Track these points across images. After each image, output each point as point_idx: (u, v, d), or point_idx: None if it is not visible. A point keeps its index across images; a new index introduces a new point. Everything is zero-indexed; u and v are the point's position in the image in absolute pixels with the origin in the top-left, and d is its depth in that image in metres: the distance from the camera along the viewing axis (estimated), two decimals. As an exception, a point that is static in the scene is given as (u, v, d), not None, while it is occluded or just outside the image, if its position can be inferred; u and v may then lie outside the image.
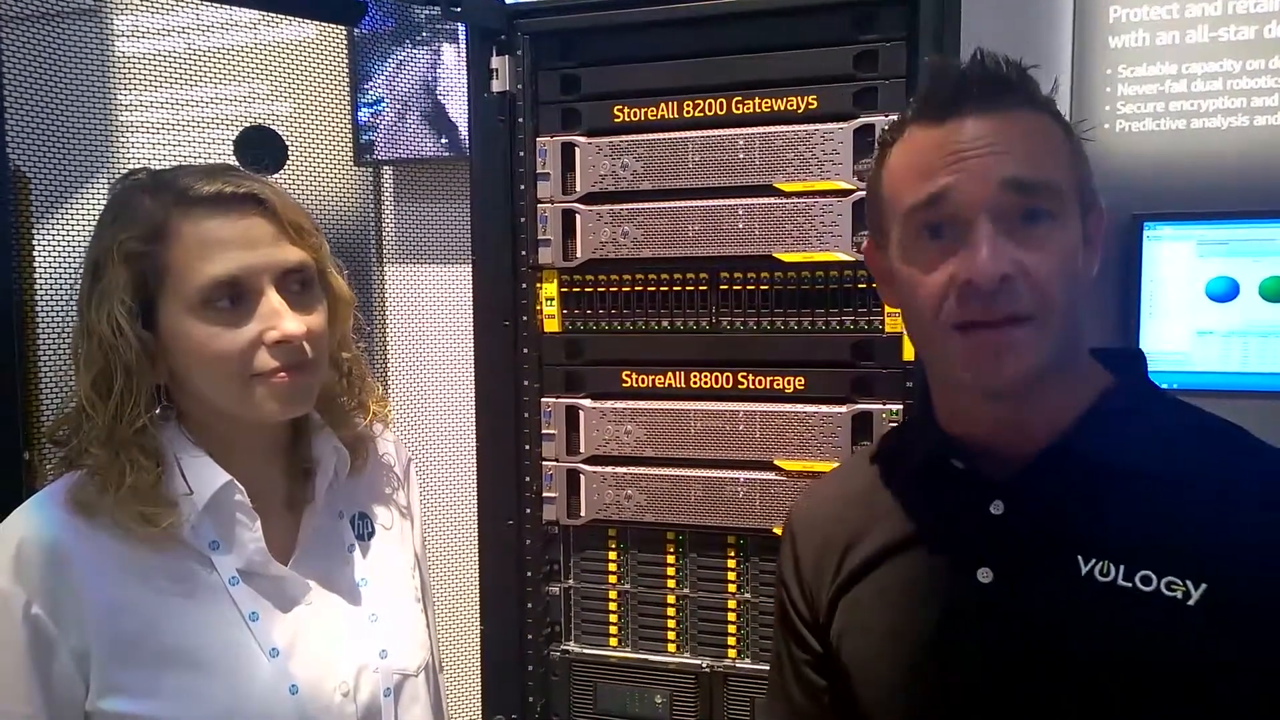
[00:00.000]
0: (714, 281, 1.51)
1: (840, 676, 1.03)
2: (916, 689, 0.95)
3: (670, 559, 1.58)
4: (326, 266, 1.08)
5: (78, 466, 1.00)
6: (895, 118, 0.98)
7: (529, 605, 1.62)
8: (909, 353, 1.42)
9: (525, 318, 1.59)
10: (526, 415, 1.60)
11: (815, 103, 1.44)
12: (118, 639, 0.96)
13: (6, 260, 1.31)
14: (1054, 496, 0.92)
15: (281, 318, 0.98)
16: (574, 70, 1.55)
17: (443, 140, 2.20)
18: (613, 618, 1.61)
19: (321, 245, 1.07)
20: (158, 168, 1.06)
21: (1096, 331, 1.15)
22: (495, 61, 1.55)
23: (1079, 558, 0.89)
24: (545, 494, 1.59)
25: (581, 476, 1.57)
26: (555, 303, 1.58)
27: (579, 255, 1.55)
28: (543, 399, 1.59)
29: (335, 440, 1.12)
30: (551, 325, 1.59)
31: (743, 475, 1.50)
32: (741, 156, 1.47)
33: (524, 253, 1.58)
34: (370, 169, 2.27)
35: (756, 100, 1.47)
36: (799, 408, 1.47)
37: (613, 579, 1.60)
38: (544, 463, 1.59)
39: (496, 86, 1.56)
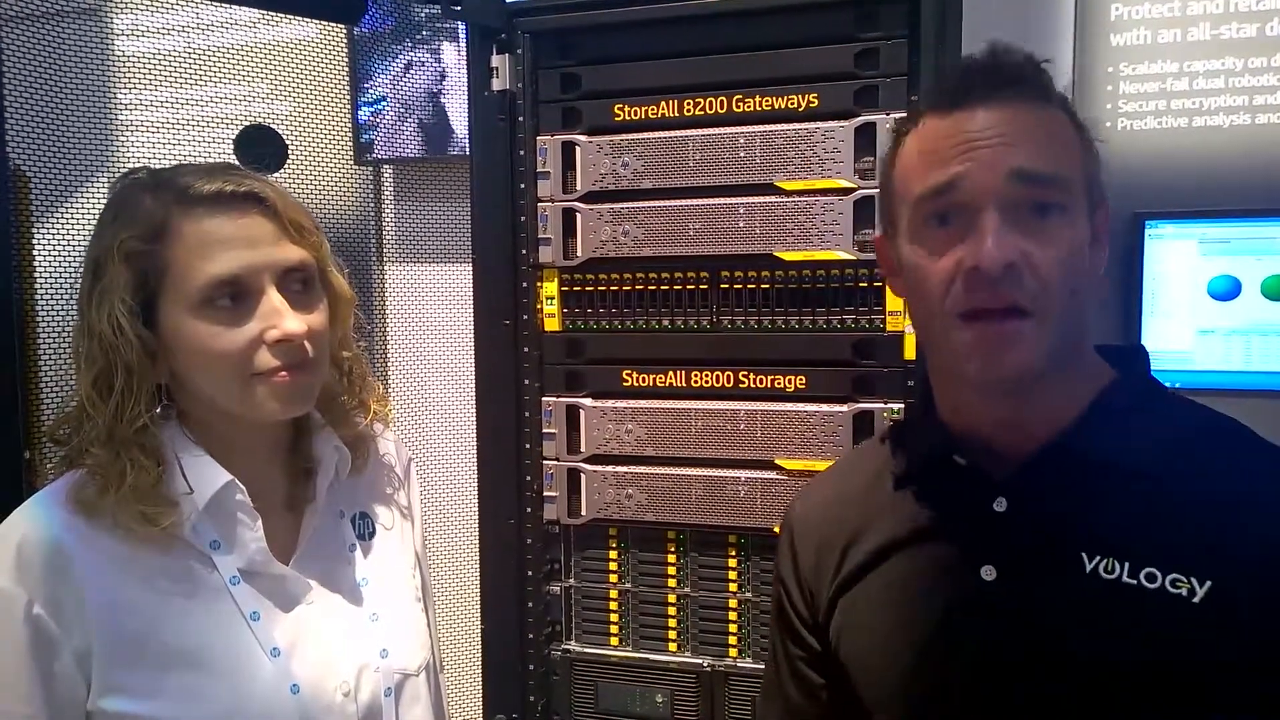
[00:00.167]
0: (715, 280, 1.51)
1: (839, 675, 1.03)
2: (917, 687, 0.95)
3: (671, 558, 1.57)
4: (327, 265, 1.08)
5: (78, 466, 1.00)
6: (909, 110, 0.98)
7: (530, 604, 1.62)
8: (910, 351, 1.42)
9: (526, 316, 1.59)
10: (527, 414, 1.60)
11: (816, 101, 1.44)
12: (119, 639, 0.96)
13: (6, 259, 1.31)
14: (1057, 493, 0.92)
15: (282, 317, 0.98)
16: (574, 69, 1.55)
17: (443, 139, 2.20)
18: (613, 617, 1.61)
19: (322, 244, 1.07)
20: (158, 167, 1.05)
21: (1098, 330, 1.14)
22: (495, 60, 1.55)
23: (1083, 555, 0.88)
24: (546, 493, 1.59)
25: (582, 475, 1.57)
26: (556, 301, 1.58)
27: (579, 254, 1.55)
28: (543, 398, 1.59)
29: (336, 440, 1.11)
30: (552, 324, 1.59)
31: (744, 474, 1.50)
32: (742, 155, 1.47)
33: (524, 251, 1.58)
34: (371, 168, 2.27)
35: (757, 98, 1.46)
36: (800, 407, 1.47)
37: (613, 578, 1.60)
38: (544, 462, 1.59)
39: (497, 85, 1.56)
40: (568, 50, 1.55)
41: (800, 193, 1.45)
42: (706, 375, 1.52)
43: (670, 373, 1.53)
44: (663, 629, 1.58)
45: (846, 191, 1.43)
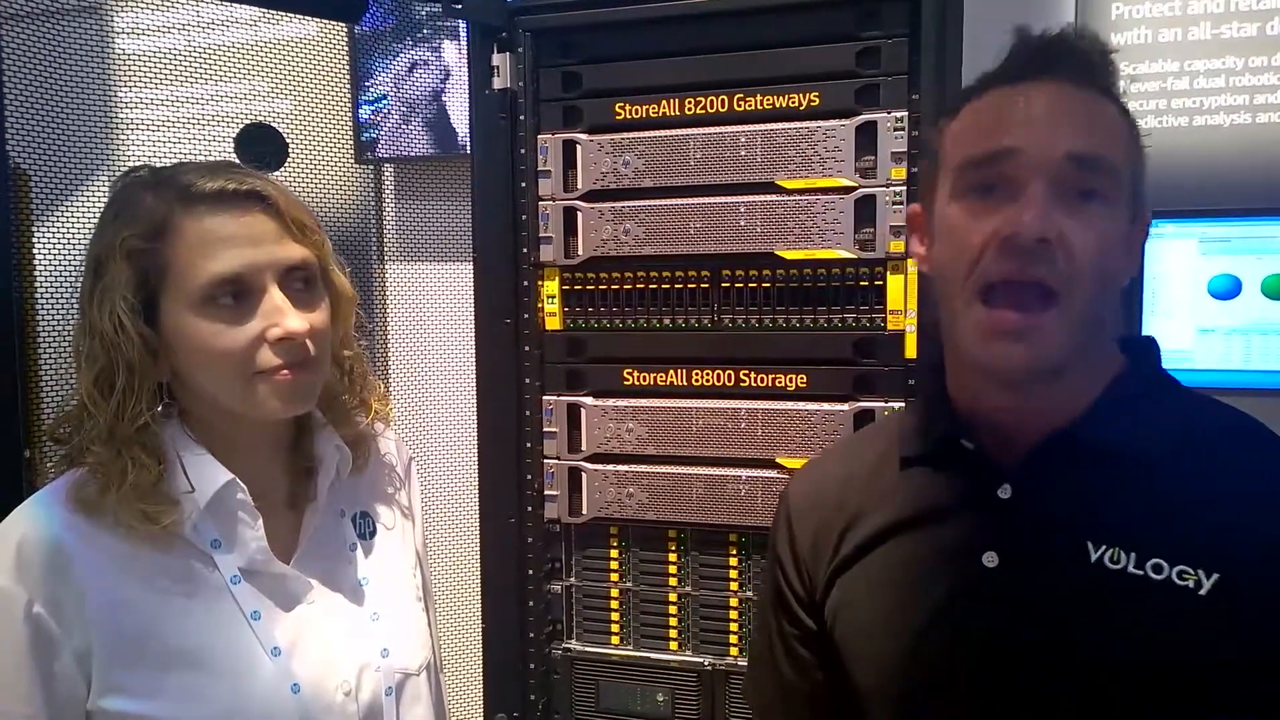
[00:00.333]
0: (716, 279, 1.51)
1: (832, 654, 1.02)
2: (912, 671, 0.94)
3: (672, 557, 1.57)
4: (329, 264, 1.08)
5: (79, 464, 1.00)
6: (976, 79, 0.98)
7: (530, 603, 1.62)
8: (911, 350, 1.42)
9: (527, 315, 1.59)
10: (528, 413, 1.60)
11: (817, 99, 1.44)
12: (119, 638, 0.96)
13: (7, 258, 1.31)
14: (1064, 482, 0.91)
15: (284, 315, 0.98)
16: (575, 67, 1.55)
17: (444, 138, 2.20)
18: (614, 616, 1.61)
19: (324, 243, 1.07)
20: (159, 165, 1.05)
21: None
22: (496, 59, 1.55)
23: (1088, 544, 0.88)
24: (547, 492, 1.59)
25: (583, 474, 1.57)
26: (557, 300, 1.58)
27: (580, 253, 1.55)
28: (544, 397, 1.59)
29: (337, 439, 1.11)
30: (553, 323, 1.59)
31: (744, 473, 1.50)
32: (743, 154, 1.47)
33: (525, 250, 1.58)
34: (372, 166, 2.27)
35: (758, 97, 1.46)
36: (801, 405, 1.47)
37: (614, 577, 1.60)
38: (545, 460, 1.59)
39: (497, 84, 1.55)
40: (569, 49, 1.55)
41: (801, 191, 1.45)
42: (707, 374, 1.52)
43: (671, 371, 1.53)
44: (663, 628, 1.58)
45: (847, 190, 1.43)
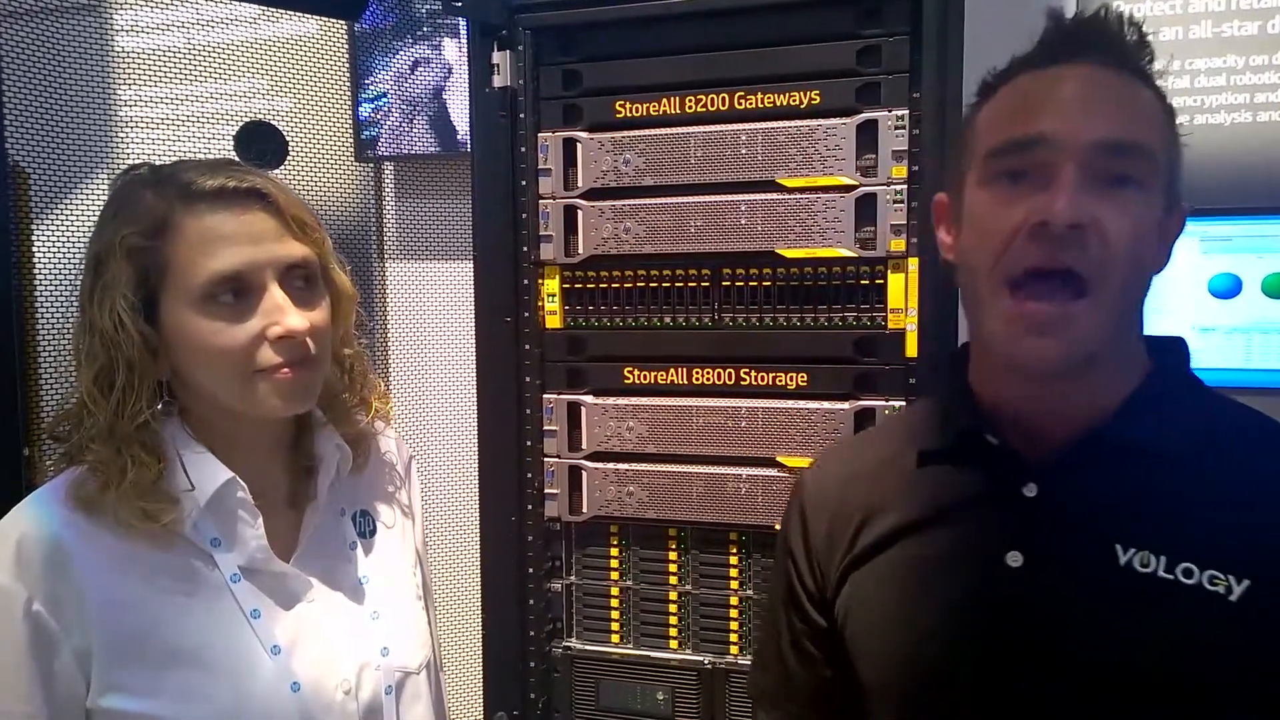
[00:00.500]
0: (716, 277, 1.51)
1: (841, 652, 1.01)
2: (930, 671, 0.92)
3: (672, 555, 1.57)
4: (329, 262, 1.08)
5: (79, 462, 1.00)
6: (1004, 64, 0.96)
7: (530, 602, 1.61)
8: (912, 349, 1.42)
9: (527, 314, 1.59)
10: (528, 411, 1.60)
11: (818, 98, 1.44)
12: (119, 636, 0.95)
13: (6, 256, 1.31)
14: (1094, 482, 0.89)
15: (285, 313, 0.98)
16: (575, 65, 1.54)
17: (444, 136, 2.20)
18: (614, 614, 1.61)
19: (324, 241, 1.07)
20: (159, 162, 1.05)
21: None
22: (496, 57, 1.55)
23: (1117, 546, 0.86)
24: (547, 490, 1.59)
25: (583, 473, 1.57)
26: (557, 299, 1.58)
27: (581, 251, 1.55)
28: (544, 395, 1.58)
29: (337, 437, 1.11)
30: (553, 321, 1.58)
31: (745, 472, 1.49)
32: (744, 152, 1.46)
33: (525, 249, 1.58)
34: (371, 165, 2.27)
35: (759, 95, 1.46)
36: (801, 404, 1.47)
37: (614, 575, 1.60)
38: (546, 459, 1.59)
39: (498, 82, 1.55)
40: (569, 47, 1.55)
41: (802, 190, 1.45)
42: (708, 372, 1.52)
43: (671, 370, 1.53)
44: (664, 626, 1.58)
45: (848, 189, 1.43)
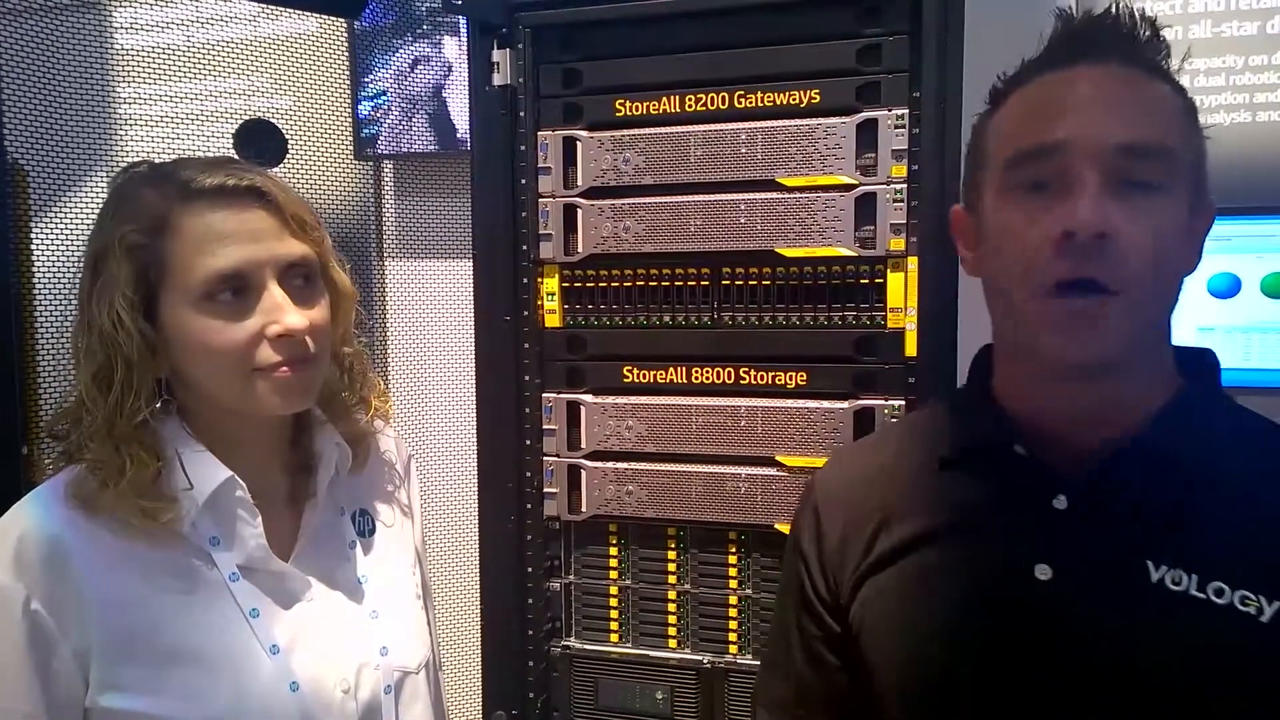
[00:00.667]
0: (716, 277, 1.51)
1: (854, 659, 0.98)
2: (953, 683, 0.90)
3: (671, 554, 1.57)
4: (329, 260, 1.08)
5: (77, 461, 0.99)
6: (1015, 68, 0.94)
7: (529, 601, 1.61)
8: (911, 348, 1.42)
9: (526, 313, 1.59)
10: (527, 410, 1.60)
11: (818, 97, 1.44)
12: (117, 635, 0.95)
13: (5, 254, 1.31)
14: (1126, 496, 0.87)
15: (284, 312, 0.98)
16: (575, 64, 1.54)
17: (444, 134, 2.20)
18: (613, 613, 1.60)
19: (324, 239, 1.07)
20: (158, 160, 1.05)
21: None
22: (496, 55, 1.55)
23: (1149, 563, 0.84)
24: (546, 489, 1.59)
25: (582, 472, 1.57)
26: (556, 298, 1.58)
27: (580, 250, 1.54)
28: (544, 394, 1.58)
29: (337, 436, 1.11)
30: (553, 320, 1.58)
31: (744, 471, 1.49)
32: (744, 151, 1.46)
33: (525, 247, 1.58)
34: (371, 163, 2.27)
35: (759, 94, 1.46)
36: (801, 403, 1.47)
37: (613, 574, 1.60)
38: (545, 458, 1.59)
39: (497, 80, 1.55)
40: (569, 45, 1.55)
41: (801, 189, 1.44)
42: (707, 371, 1.52)
43: (671, 369, 1.53)
44: (663, 626, 1.58)
45: (848, 188, 1.43)
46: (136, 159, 1.06)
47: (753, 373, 1.50)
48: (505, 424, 1.60)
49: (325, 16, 2.08)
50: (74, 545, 0.96)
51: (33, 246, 1.41)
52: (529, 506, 1.61)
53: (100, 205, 1.02)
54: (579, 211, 1.54)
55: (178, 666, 0.96)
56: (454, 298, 2.17)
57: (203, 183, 0.98)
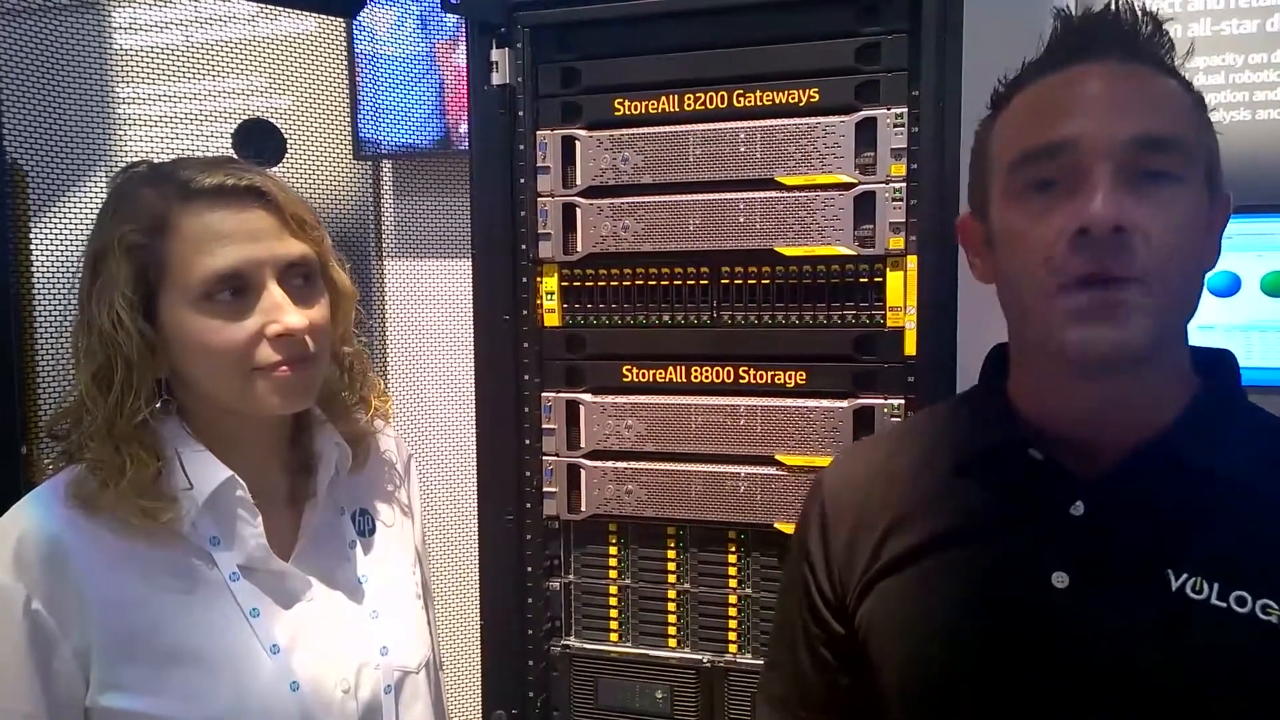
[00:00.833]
0: (715, 275, 1.51)
1: (860, 662, 0.97)
2: (964, 688, 0.89)
3: (671, 554, 1.57)
4: (329, 260, 1.08)
5: (77, 461, 0.99)
6: (1016, 71, 0.92)
7: (529, 600, 1.61)
8: (911, 347, 1.42)
9: (525, 312, 1.59)
10: (526, 410, 1.60)
11: (817, 96, 1.44)
12: (118, 635, 0.95)
13: (4, 255, 1.31)
14: (1146, 502, 0.86)
15: (284, 311, 0.98)
16: (574, 63, 1.54)
17: (443, 134, 2.20)
18: (613, 613, 1.61)
19: (323, 239, 1.07)
20: (158, 160, 1.05)
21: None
22: (495, 54, 1.55)
23: (1169, 571, 0.83)
24: (545, 489, 1.59)
25: (582, 471, 1.57)
26: (555, 297, 1.58)
27: (579, 249, 1.54)
28: (543, 393, 1.58)
29: (337, 436, 1.11)
30: (552, 319, 1.58)
31: (744, 470, 1.49)
32: (743, 150, 1.46)
33: (524, 247, 1.58)
34: (370, 162, 2.27)
35: (758, 93, 1.46)
36: (800, 402, 1.47)
37: (613, 574, 1.60)
38: (544, 457, 1.59)
39: (496, 79, 1.55)
40: (567, 45, 1.55)
41: (801, 188, 1.44)
42: (707, 370, 1.52)
43: (670, 368, 1.53)
44: (662, 625, 1.58)
45: (847, 187, 1.43)
46: (136, 159, 1.06)
47: (752, 372, 1.50)
48: (504, 424, 1.60)
49: (324, 16, 2.08)
50: (74, 545, 0.96)
51: (32, 247, 1.41)
52: (528, 506, 1.61)
53: (100, 205, 1.02)
54: (578, 210, 1.54)
55: (178, 666, 0.96)
56: (453, 297, 2.17)
57: (202, 182, 0.98)
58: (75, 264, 1.02)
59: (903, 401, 1.42)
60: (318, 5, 1.75)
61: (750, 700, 1.51)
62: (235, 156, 1.20)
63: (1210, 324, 1.97)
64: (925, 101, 1.38)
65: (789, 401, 1.48)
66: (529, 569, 1.61)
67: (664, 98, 1.50)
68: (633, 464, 1.54)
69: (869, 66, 1.42)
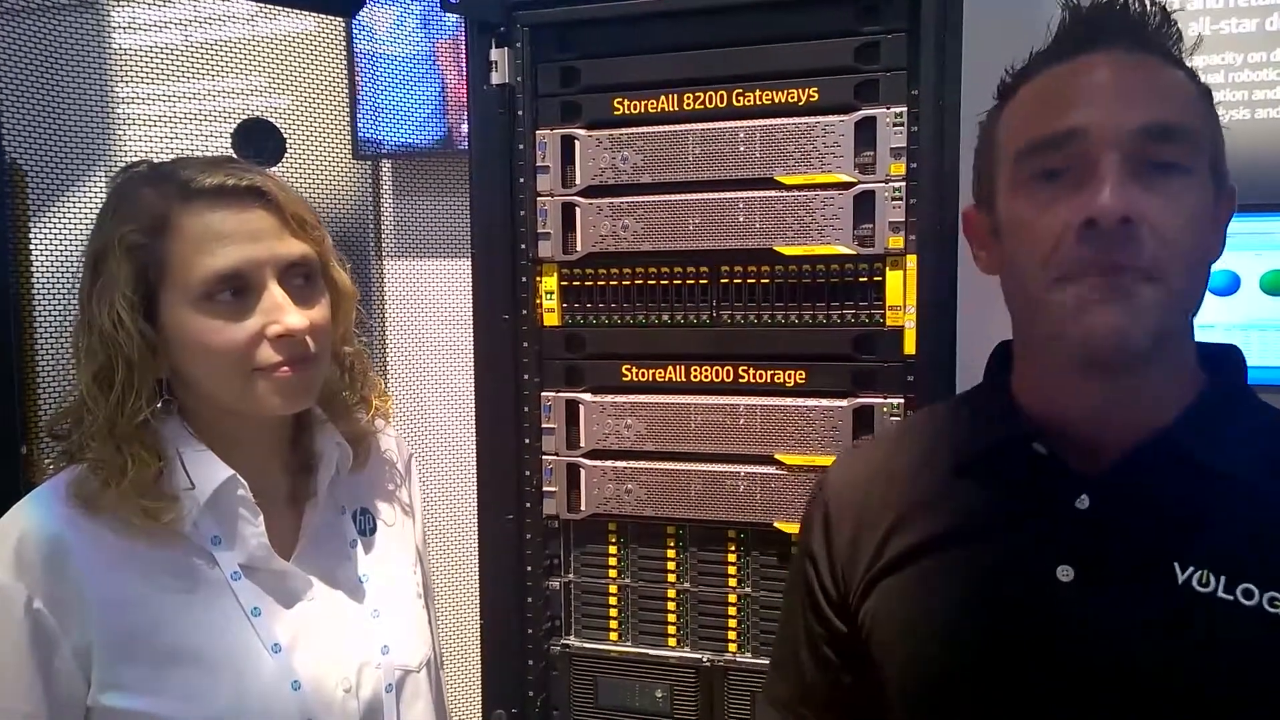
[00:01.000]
0: (714, 275, 1.51)
1: (864, 661, 0.97)
2: (969, 685, 0.88)
3: (670, 553, 1.57)
4: (329, 260, 1.08)
5: (78, 461, 0.99)
6: (1023, 62, 0.92)
7: (529, 600, 1.62)
8: (910, 346, 1.42)
9: (525, 311, 1.59)
10: (526, 409, 1.60)
11: (816, 95, 1.44)
12: (119, 634, 0.95)
13: (4, 255, 1.31)
14: (1151, 496, 0.85)
15: (284, 312, 0.98)
16: (573, 62, 1.54)
17: (442, 133, 2.20)
18: (613, 612, 1.61)
19: (324, 238, 1.07)
20: (158, 160, 1.05)
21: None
22: (494, 54, 1.55)
23: (1175, 565, 0.82)
24: (545, 488, 1.59)
25: (581, 471, 1.57)
26: (555, 296, 1.58)
27: (579, 249, 1.55)
28: (543, 393, 1.58)
29: (337, 435, 1.11)
30: (551, 319, 1.59)
31: (743, 469, 1.50)
32: (742, 149, 1.47)
33: (524, 246, 1.58)
34: (369, 162, 2.27)
35: (757, 92, 1.46)
36: (800, 402, 1.47)
37: (613, 573, 1.60)
38: (544, 457, 1.59)
39: (496, 79, 1.55)
40: (567, 44, 1.55)
41: (800, 187, 1.45)
42: (706, 370, 1.52)
43: (670, 367, 1.53)
44: (662, 624, 1.58)
45: (846, 186, 1.43)
46: (135, 159, 1.06)
47: (752, 371, 1.50)
48: (504, 423, 1.60)
49: (323, 15, 2.08)
50: (75, 545, 0.96)
51: (32, 247, 1.41)
52: (528, 505, 1.61)
53: (100, 205, 1.02)
54: (577, 210, 1.54)
55: (179, 666, 0.96)
56: (453, 297, 2.17)
57: (202, 182, 0.98)
58: (75, 264, 1.03)
59: (902, 401, 1.43)
60: (317, 5, 1.75)
61: (750, 699, 1.52)
62: (235, 156, 1.20)
63: (1210, 323, 1.97)
64: (925, 101, 1.38)
65: (788, 401, 1.48)
66: (529, 568, 1.61)
67: (663, 97, 1.50)
68: (632, 463, 1.55)
69: (868, 66, 1.42)
